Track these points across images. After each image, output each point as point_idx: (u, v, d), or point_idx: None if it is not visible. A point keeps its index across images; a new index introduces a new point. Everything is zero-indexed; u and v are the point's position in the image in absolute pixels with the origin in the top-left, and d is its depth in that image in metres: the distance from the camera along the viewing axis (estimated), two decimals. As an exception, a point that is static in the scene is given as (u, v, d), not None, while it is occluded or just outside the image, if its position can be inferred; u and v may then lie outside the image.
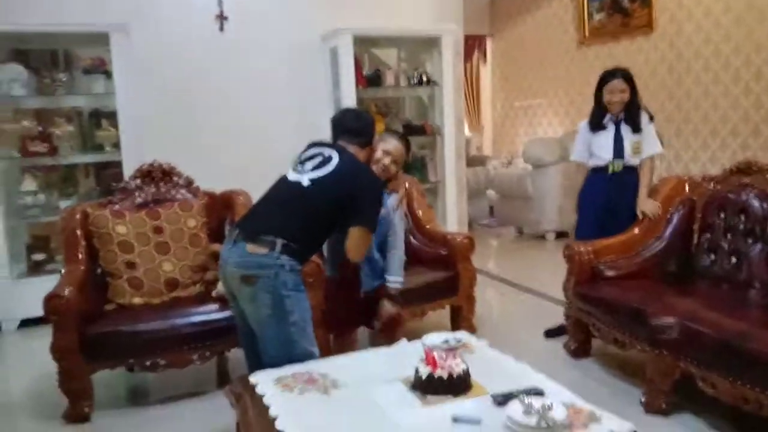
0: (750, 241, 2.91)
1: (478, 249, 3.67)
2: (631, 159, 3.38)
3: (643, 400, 2.66)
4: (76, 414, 2.78)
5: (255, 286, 2.20)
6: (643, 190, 3.36)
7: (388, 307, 2.74)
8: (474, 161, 8.30)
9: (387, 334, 2.77)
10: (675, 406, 2.61)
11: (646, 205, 3.29)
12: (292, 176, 2.40)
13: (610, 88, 3.34)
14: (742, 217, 2.96)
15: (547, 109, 8.08)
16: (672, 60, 6.11)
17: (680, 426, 2.54)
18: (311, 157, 2.43)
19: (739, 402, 2.25)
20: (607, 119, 3.41)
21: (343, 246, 2.40)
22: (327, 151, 2.44)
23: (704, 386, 2.40)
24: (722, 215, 3.06)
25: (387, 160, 2.62)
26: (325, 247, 2.77)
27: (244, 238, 2.25)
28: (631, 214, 3.35)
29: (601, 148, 3.42)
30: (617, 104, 3.34)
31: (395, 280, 2.75)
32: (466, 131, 9.07)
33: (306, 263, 2.55)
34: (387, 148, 2.64)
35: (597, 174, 3.47)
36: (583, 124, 3.53)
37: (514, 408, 1.63)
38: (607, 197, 3.42)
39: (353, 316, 2.82)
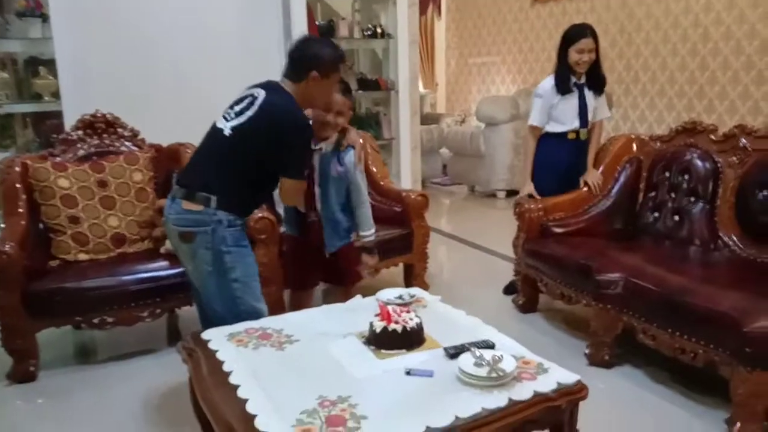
0: (692, 199, 3.02)
1: (430, 207, 3.68)
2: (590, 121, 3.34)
3: (587, 352, 2.77)
4: (22, 373, 2.71)
5: (193, 243, 2.16)
6: (591, 155, 3.36)
7: (368, 260, 2.70)
8: (428, 119, 8.28)
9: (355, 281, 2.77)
10: (617, 358, 2.73)
11: (591, 176, 3.31)
12: (219, 124, 2.23)
13: (580, 47, 3.14)
14: (686, 176, 3.05)
15: (500, 67, 8.10)
16: (623, 19, 6.18)
17: (621, 377, 2.66)
18: (241, 100, 2.24)
19: (677, 352, 2.37)
20: (572, 82, 3.24)
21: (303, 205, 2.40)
22: (256, 92, 2.21)
23: (644, 338, 2.51)
24: (667, 174, 3.15)
25: (330, 117, 2.46)
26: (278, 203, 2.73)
27: (182, 195, 2.19)
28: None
29: (564, 114, 3.28)
30: (585, 65, 3.17)
31: (369, 233, 2.66)
32: (421, 88, 9.01)
33: (252, 217, 2.52)
34: (339, 108, 2.47)
35: (556, 139, 3.33)
36: (546, 87, 3.29)
37: (466, 360, 1.67)
38: (568, 163, 3.35)
39: (315, 274, 2.78)
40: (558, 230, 3.21)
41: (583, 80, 3.27)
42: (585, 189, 3.33)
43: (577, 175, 3.37)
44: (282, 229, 2.86)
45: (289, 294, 2.90)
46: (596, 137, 3.40)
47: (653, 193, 3.19)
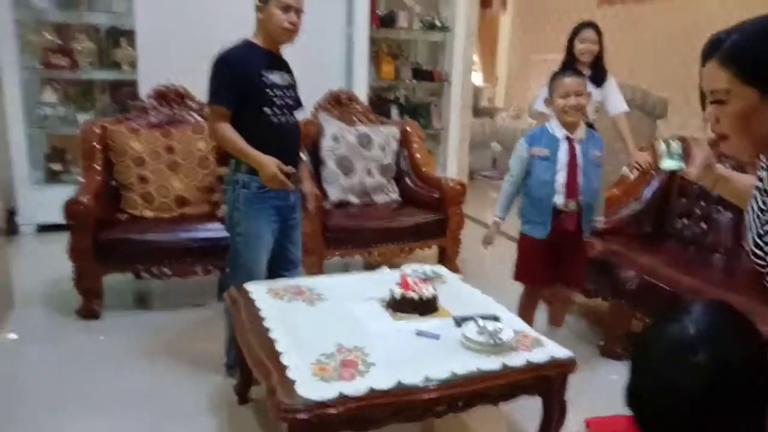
0: (720, 208, 3.09)
1: (476, 199, 3.82)
2: (592, 115, 3.57)
3: (600, 343, 2.92)
4: (88, 311, 3.08)
5: (225, 196, 2.54)
6: (630, 144, 3.59)
7: (593, 242, 2.74)
8: (483, 112, 8.38)
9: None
10: (628, 352, 2.85)
11: (640, 157, 3.48)
12: None
13: (582, 37, 3.50)
14: (717, 186, 3.12)
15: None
16: (689, 27, 6.13)
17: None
18: None
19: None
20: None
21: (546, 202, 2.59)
22: None
23: (655, 335, 2.64)
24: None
25: (569, 100, 2.50)
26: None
27: None
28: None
29: None
30: (587, 54, 3.49)
31: (601, 219, 2.79)
32: (480, 82, 9.11)
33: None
34: (569, 90, 2.52)
35: None
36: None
37: (470, 327, 1.88)
38: None
39: (549, 271, 2.72)
40: (587, 228, 3.34)
41: (588, 73, 3.52)
42: (636, 169, 3.48)
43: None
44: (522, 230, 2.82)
45: (523, 291, 2.86)
46: (625, 129, 3.63)
47: (684, 200, 3.27)
